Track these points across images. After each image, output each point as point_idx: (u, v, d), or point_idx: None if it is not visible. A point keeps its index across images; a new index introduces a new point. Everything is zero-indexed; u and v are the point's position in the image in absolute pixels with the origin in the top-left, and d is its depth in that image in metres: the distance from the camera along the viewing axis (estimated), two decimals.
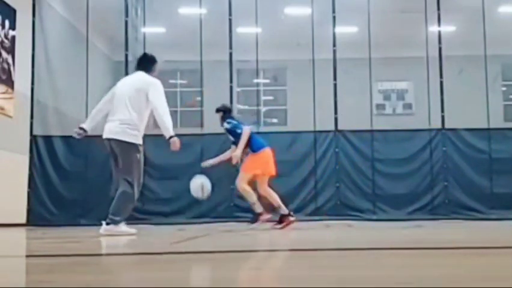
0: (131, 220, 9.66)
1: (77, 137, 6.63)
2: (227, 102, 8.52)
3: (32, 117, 11.14)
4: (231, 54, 11.49)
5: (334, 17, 11.50)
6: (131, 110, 6.43)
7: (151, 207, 10.91)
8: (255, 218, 8.00)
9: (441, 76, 11.37)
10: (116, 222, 6.29)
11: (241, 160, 8.14)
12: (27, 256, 4.10)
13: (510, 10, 14.00)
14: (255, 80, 15.58)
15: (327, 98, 11.29)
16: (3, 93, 10.22)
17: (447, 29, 12.67)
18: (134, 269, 2.94)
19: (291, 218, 7.94)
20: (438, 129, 11.18)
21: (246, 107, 16.84)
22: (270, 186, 8.18)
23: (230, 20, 11.50)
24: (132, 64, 12.25)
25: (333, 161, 11.07)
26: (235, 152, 7.84)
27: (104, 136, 6.47)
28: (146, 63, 6.87)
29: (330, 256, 3.55)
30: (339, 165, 11.05)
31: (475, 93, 12.23)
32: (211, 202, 10.82)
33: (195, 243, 5.11)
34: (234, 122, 8.07)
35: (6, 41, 10.35)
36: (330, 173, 11.05)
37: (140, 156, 6.51)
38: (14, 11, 10.60)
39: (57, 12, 12.19)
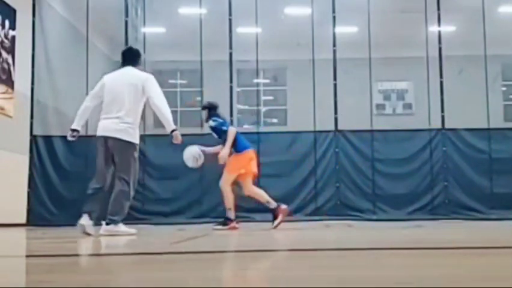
0: (131, 220, 9.68)
1: (72, 139, 6.57)
2: (214, 100, 8.54)
3: (32, 117, 11.14)
4: (231, 54, 11.49)
5: (334, 17, 11.50)
6: (130, 107, 6.39)
7: (151, 207, 10.91)
8: (225, 221, 7.96)
9: (441, 76, 11.37)
10: (115, 222, 6.29)
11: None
12: (27, 256, 4.10)
13: (510, 10, 13.99)
14: (255, 80, 15.58)
15: (327, 98, 11.29)
16: (3, 93, 10.22)
17: (447, 29, 12.67)
18: (134, 269, 2.94)
19: (283, 207, 7.91)
20: (438, 129, 11.18)
21: (246, 107, 16.85)
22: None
23: (230, 20, 11.50)
24: None
25: (333, 161, 11.08)
26: (222, 152, 7.85)
27: (103, 134, 6.35)
28: (133, 57, 6.74)
29: (330, 256, 3.55)
30: (339, 165, 11.05)
31: (475, 93, 12.23)
32: (211, 202, 10.83)
33: (194, 243, 5.11)
34: (220, 120, 8.07)
35: (6, 41, 10.35)
36: (330, 173, 11.05)
37: (137, 155, 6.51)
38: (14, 11, 10.60)
39: (57, 12, 12.19)
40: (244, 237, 6.10)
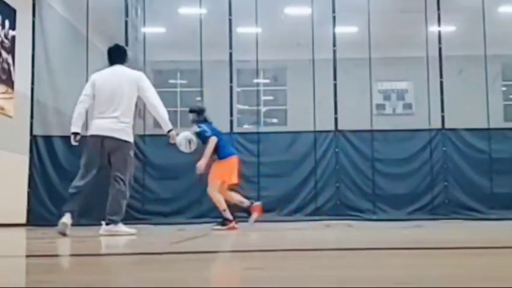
0: (131, 220, 9.69)
1: (77, 143, 6.36)
2: (201, 104, 8.61)
3: (32, 117, 11.15)
4: (231, 54, 11.49)
5: (334, 17, 11.50)
6: (126, 107, 6.36)
7: (151, 207, 10.92)
8: (223, 222, 8.01)
9: (441, 76, 11.37)
10: (115, 222, 6.28)
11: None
12: (27, 256, 4.10)
13: (510, 10, 13.99)
14: (255, 80, 15.59)
15: (327, 98, 11.29)
16: (3, 93, 10.22)
17: (447, 29, 12.67)
18: (134, 269, 2.94)
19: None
20: (438, 129, 11.18)
21: (246, 107, 16.85)
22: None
23: (230, 20, 11.50)
24: (133, 64, 12.29)
25: (333, 161, 11.08)
26: (199, 162, 7.89)
27: (99, 133, 6.27)
28: (122, 55, 6.63)
29: (330, 256, 3.55)
30: (339, 165, 11.05)
31: (475, 93, 12.23)
32: (211, 202, 10.83)
33: (195, 243, 5.11)
34: (205, 127, 8.03)
35: (6, 41, 10.35)
36: (330, 173, 11.05)
37: (133, 154, 6.50)
38: (14, 11, 10.60)
39: (57, 12, 12.19)
40: (244, 237, 6.10)
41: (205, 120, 8.23)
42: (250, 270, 2.60)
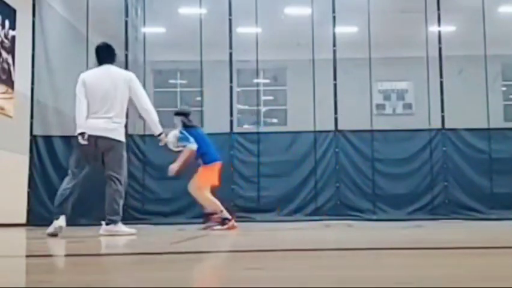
0: (131, 220, 9.70)
1: (86, 142, 6.22)
2: (187, 107, 8.70)
3: (32, 117, 11.15)
4: (231, 54, 11.49)
5: (334, 17, 11.50)
6: (120, 107, 6.34)
7: (151, 207, 10.92)
8: (223, 221, 7.98)
9: (441, 76, 11.37)
10: (115, 222, 6.28)
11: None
12: (27, 256, 4.10)
13: (510, 10, 13.99)
14: (255, 80, 15.59)
15: (327, 98, 11.30)
16: (3, 93, 10.22)
17: (447, 29, 12.67)
18: (134, 269, 2.94)
19: (216, 216, 7.99)
20: (438, 129, 11.18)
21: (246, 107, 16.85)
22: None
23: (230, 20, 11.50)
24: (134, 64, 12.29)
25: (333, 161, 11.08)
26: (172, 166, 7.94)
27: (93, 133, 6.21)
28: (111, 54, 6.57)
29: (330, 256, 3.55)
30: (339, 165, 11.05)
31: (475, 93, 12.23)
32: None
33: (194, 243, 5.11)
34: (186, 135, 8.01)
35: (6, 41, 10.35)
36: (330, 173, 11.05)
37: (125, 153, 6.50)
38: (14, 11, 10.60)
39: (57, 12, 12.19)
40: (244, 237, 6.10)
41: (192, 126, 8.21)
42: (250, 270, 2.60)
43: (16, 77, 10.60)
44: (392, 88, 16.77)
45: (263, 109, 16.81)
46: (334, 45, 11.47)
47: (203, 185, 8.04)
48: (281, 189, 10.98)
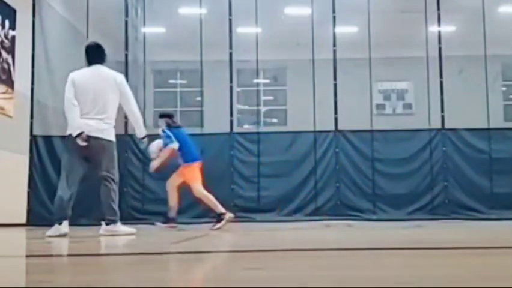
0: (131, 220, 9.69)
1: (86, 143, 6.22)
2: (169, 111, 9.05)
3: (32, 117, 11.14)
4: (231, 54, 11.49)
5: (334, 17, 11.50)
6: (112, 109, 6.34)
7: (151, 207, 10.91)
8: (219, 218, 8.11)
9: (441, 76, 11.37)
10: (115, 222, 6.30)
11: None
12: (27, 256, 4.10)
13: (510, 10, 13.99)
14: (255, 80, 15.59)
15: (327, 98, 11.29)
16: (3, 93, 10.22)
17: (447, 29, 12.67)
18: (134, 269, 2.94)
19: (173, 224, 8.28)
20: (438, 129, 11.18)
21: (246, 107, 16.85)
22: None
23: (230, 20, 11.50)
24: (134, 64, 12.30)
25: (333, 161, 11.08)
26: (153, 162, 8.17)
27: (86, 133, 6.20)
28: (102, 55, 6.56)
29: (330, 256, 3.55)
30: (339, 165, 11.05)
31: (475, 93, 12.23)
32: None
33: (194, 243, 5.11)
34: (169, 133, 8.19)
35: (6, 41, 10.35)
36: (330, 173, 11.05)
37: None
38: (14, 11, 10.60)
39: (57, 12, 12.19)
40: (244, 237, 6.10)
41: (176, 126, 8.40)
42: (250, 270, 2.60)
43: (16, 77, 10.60)
44: (392, 88, 16.77)
45: (263, 109, 16.81)
46: (334, 45, 11.47)
47: (195, 184, 8.20)
48: (281, 189, 10.98)
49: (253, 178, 11.04)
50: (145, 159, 11.08)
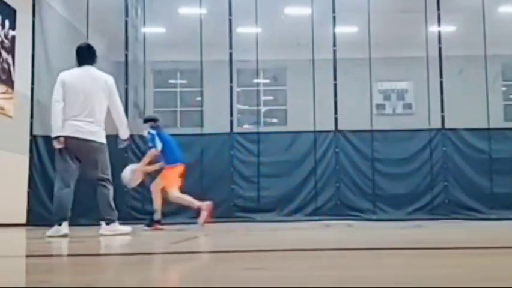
0: (131, 220, 9.69)
1: (62, 146, 6.20)
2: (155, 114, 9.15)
3: (32, 117, 11.14)
4: (231, 54, 11.49)
5: (334, 17, 11.50)
6: (101, 109, 6.31)
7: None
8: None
9: (441, 76, 11.37)
10: (114, 221, 6.33)
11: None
12: (27, 256, 4.10)
13: (510, 10, 14.00)
14: (255, 80, 15.59)
15: (327, 98, 11.30)
16: (3, 93, 10.22)
17: (447, 29, 12.68)
18: (134, 269, 2.94)
19: (159, 226, 8.23)
20: (438, 129, 11.19)
21: (246, 107, 16.85)
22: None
23: (230, 20, 11.50)
24: (134, 64, 12.30)
25: (333, 161, 11.08)
26: (136, 166, 8.20)
27: (78, 136, 6.16)
28: (92, 56, 6.47)
29: (330, 256, 3.55)
30: (339, 165, 11.05)
31: (475, 93, 12.24)
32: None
33: (194, 243, 5.11)
34: (154, 135, 8.24)
35: (6, 41, 10.35)
36: (330, 173, 11.05)
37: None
38: (14, 11, 10.60)
39: (57, 12, 12.19)
40: (244, 237, 6.10)
41: (160, 129, 8.47)
42: (250, 270, 2.60)
43: (16, 77, 10.60)
44: (392, 88, 16.77)
45: (263, 109, 16.81)
46: (334, 45, 11.47)
47: (171, 188, 8.26)
48: (281, 189, 10.98)
49: (253, 178, 11.05)
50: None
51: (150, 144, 8.20)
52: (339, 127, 11.22)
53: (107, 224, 6.31)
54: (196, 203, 8.21)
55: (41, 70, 11.34)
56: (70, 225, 6.17)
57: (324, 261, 3.16)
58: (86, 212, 10.42)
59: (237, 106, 14.48)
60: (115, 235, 6.16)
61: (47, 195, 10.87)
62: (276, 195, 10.97)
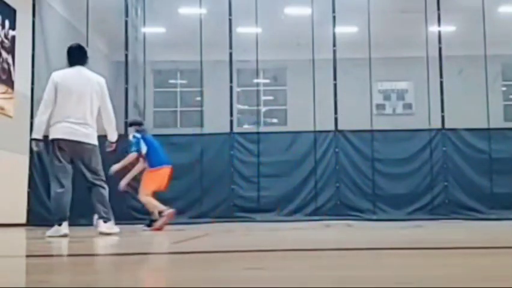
0: (131, 220, 9.70)
1: (38, 149, 6.24)
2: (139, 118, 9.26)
3: (32, 117, 11.12)
4: (231, 54, 11.49)
5: (334, 17, 11.50)
6: (93, 111, 6.30)
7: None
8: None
9: (441, 76, 11.37)
10: (110, 220, 6.35)
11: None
12: (27, 256, 4.10)
13: (510, 10, 14.00)
14: (255, 80, 15.59)
15: (327, 98, 11.30)
16: (3, 93, 10.22)
17: (447, 29, 12.68)
18: (134, 269, 2.94)
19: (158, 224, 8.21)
20: (438, 129, 11.19)
21: (246, 107, 16.85)
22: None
23: (230, 20, 11.50)
24: (134, 64, 12.30)
25: (333, 161, 11.08)
26: (114, 166, 8.22)
27: (71, 138, 6.16)
28: (84, 56, 6.48)
29: (330, 256, 3.55)
30: (339, 165, 11.05)
31: (475, 93, 12.24)
32: (211, 202, 10.85)
33: (194, 243, 5.11)
34: (138, 139, 8.33)
35: (6, 41, 10.35)
36: (330, 173, 11.05)
37: None
38: (14, 11, 10.60)
39: (57, 12, 12.19)
40: (244, 237, 6.10)
41: (145, 133, 8.56)
42: (250, 270, 2.60)
43: (16, 77, 10.60)
44: (392, 88, 16.77)
45: (263, 109, 16.81)
46: (334, 45, 11.47)
47: (146, 190, 8.30)
48: (281, 189, 10.98)
49: (253, 178, 11.04)
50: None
51: (133, 148, 8.27)
52: (339, 127, 11.22)
53: (105, 222, 6.32)
54: (159, 208, 8.23)
55: (41, 70, 11.34)
56: (69, 225, 6.17)
57: (324, 261, 3.16)
58: (86, 212, 10.40)
59: (237, 106, 14.48)
60: (112, 234, 6.18)
61: (47, 195, 10.85)
62: (276, 195, 10.97)
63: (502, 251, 3.76)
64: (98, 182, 6.34)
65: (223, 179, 10.93)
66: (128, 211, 10.55)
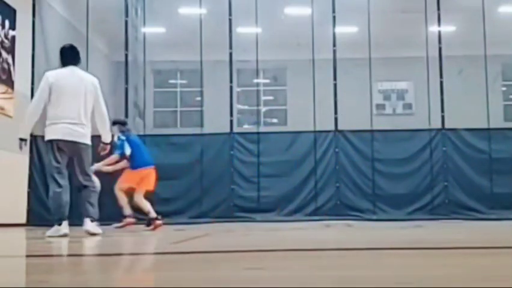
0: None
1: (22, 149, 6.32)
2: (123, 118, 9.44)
3: None
4: (231, 54, 11.49)
5: (334, 17, 11.50)
6: (87, 110, 6.30)
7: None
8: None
9: (441, 76, 11.37)
10: (96, 220, 6.38)
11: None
12: (27, 256, 4.10)
13: (510, 10, 14.00)
14: (255, 80, 15.59)
15: (327, 98, 11.29)
16: (3, 93, 10.22)
17: (447, 29, 12.67)
18: (134, 269, 2.94)
19: (158, 222, 8.37)
20: (438, 129, 11.18)
21: (246, 107, 16.85)
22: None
23: (230, 20, 11.50)
24: (134, 64, 12.29)
25: (333, 161, 11.08)
26: (97, 164, 8.26)
27: (68, 138, 6.17)
28: (76, 56, 6.46)
29: (330, 256, 3.55)
30: (339, 165, 11.05)
31: (475, 93, 12.23)
32: (211, 202, 10.84)
33: (194, 243, 5.11)
34: (122, 141, 8.44)
35: (6, 41, 10.35)
36: (330, 173, 11.05)
37: None
38: (14, 11, 10.60)
39: (57, 12, 12.19)
40: (244, 237, 6.10)
41: (128, 133, 8.68)
42: (250, 270, 2.60)
43: (16, 77, 10.60)
44: (392, 88, 16.77)
45: (263, 109, 16.81)
46: (334, 45, 11.47)
47: (120, 184, 8.46)
48: (281, 189, 10.98)
49: (253, 178, 11.04)
50: None
51: (118, 151, 8.36)
52: (339, 127, 11.22)
53: (92, 221, 6.33)
54: (127, 212, 8.42)
55: (41, 70, 11.31)
56: (69, 225, 6.17)
57: (324, 261, 3.16)
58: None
59: (237, 106, 14.47)
60: (96, 234, 6.20)
61: (47, 195, 10.81)
62: (276, 195, 10.97)
63: (502, 251, 3.76)
64: (88, 183, 6.37)
65: (223, 179, 10.93)
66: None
